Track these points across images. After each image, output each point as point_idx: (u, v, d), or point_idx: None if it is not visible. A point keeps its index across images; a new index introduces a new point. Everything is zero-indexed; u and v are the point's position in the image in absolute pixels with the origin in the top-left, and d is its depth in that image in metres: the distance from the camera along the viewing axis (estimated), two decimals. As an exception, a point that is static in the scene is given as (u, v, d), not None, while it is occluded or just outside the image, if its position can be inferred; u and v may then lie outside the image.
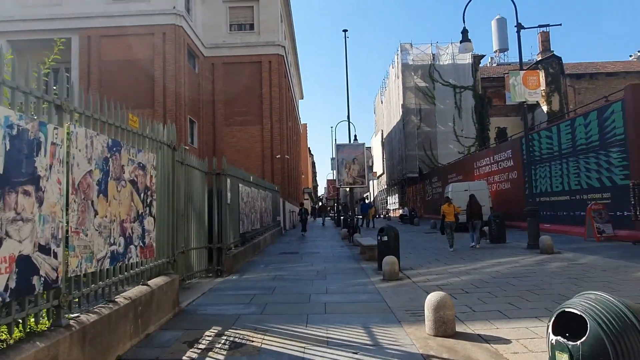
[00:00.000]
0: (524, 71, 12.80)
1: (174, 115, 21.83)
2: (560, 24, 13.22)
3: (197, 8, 26.46)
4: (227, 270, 9.84)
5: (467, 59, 39.13)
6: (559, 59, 39.06)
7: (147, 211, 5.57)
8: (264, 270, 10.55)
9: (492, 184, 22.40)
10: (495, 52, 72.57)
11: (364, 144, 19.65)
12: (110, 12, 22.23)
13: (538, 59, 39.50)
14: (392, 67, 43.07)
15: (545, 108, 38.47)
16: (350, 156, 18.77)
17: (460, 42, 13.36)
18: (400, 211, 44.46)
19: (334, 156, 38.04)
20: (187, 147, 23.53)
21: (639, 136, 12.67)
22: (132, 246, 5.05)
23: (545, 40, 41.01)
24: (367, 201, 36.13)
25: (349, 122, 19.36)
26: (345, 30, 19.36)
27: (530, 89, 12.75)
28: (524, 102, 12.86)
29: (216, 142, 26.94)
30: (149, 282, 5.52)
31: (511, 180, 20.97)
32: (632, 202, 12.29)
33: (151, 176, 5.72)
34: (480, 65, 42.07)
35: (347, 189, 20.78)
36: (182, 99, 22.97)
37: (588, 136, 14.91)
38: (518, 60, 13.12)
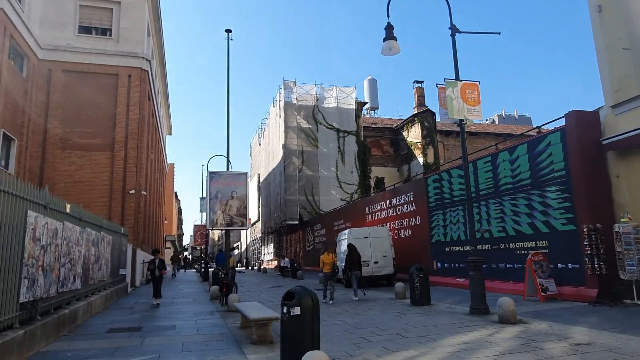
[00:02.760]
0: (462, 82, 10.05)
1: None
2: (499, 33, 10.89)
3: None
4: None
5: (351, 104, 37.90)
6: (433, 113, 39.67)
7: None
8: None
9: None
10: (367, 109, 75.71)
11: (246, 173, 15.21)
12: None
13: (415, 112, 39.99)
14: (273, 106, 40.05)
15: (421, 160, 38.58)
16: (228, 189, 14.28)
17: (384, 39, 10.27)
18: (276, 262, 40.15)
19: (204, 195, 32.64)
20: (-7, 170, 16.83)
21: (586, 172, 10.56)
22: None
23: (421, 95, 41.95)
24: (223, 251, 30.59)
25: (228, 148, 14.97)
26: (228, 31, 15.31)
27: (469, 105, 9.99)
28: (463, 121, 10.00)
29: (45, 170, 20.28)
30: None
31: (412, 227, 18.33)
32: (588, 252, 9.85)
33: None
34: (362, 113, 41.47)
35: (216, 237, 16.02)
36: (-6, 105, 16.50)
37: (515, 174, 12.68)
38: (452, 73, 10.48)
